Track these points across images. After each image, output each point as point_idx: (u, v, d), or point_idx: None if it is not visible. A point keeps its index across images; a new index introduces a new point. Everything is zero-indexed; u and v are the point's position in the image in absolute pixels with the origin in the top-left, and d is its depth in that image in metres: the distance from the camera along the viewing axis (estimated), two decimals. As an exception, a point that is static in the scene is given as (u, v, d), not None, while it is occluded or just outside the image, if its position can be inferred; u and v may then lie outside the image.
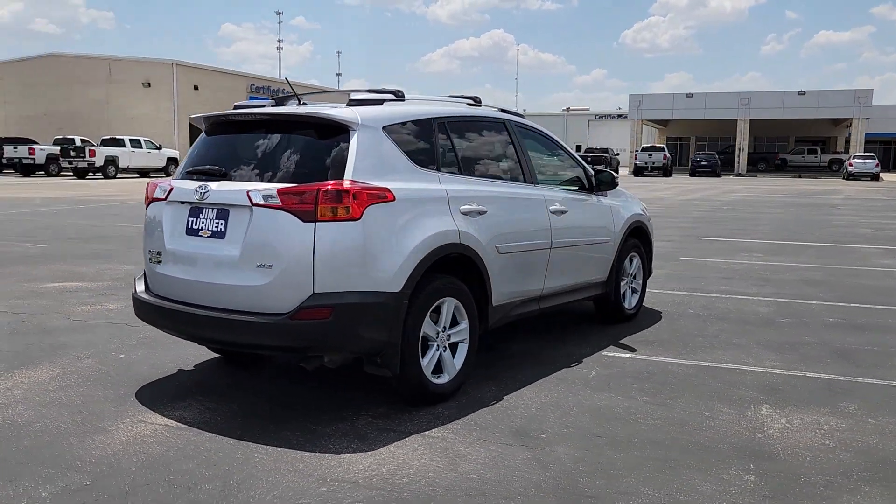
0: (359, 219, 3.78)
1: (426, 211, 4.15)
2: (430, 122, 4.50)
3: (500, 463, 3.49)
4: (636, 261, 6.55)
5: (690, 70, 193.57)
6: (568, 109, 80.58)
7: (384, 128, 4.16)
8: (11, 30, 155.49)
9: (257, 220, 3.83)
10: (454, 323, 4.40)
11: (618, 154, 56.02)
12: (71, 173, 35.86)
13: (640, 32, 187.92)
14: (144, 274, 4.51)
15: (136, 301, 4.41)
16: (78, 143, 36.76)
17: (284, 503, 3.06)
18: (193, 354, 5.12)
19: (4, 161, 37.43)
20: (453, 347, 4.42)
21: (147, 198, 4.52)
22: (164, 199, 4.32)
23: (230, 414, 4.09)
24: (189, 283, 4.05)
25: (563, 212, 5.37)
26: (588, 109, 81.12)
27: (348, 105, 4.25)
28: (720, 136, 60.80)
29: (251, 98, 35.80)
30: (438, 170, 4.41)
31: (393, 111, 4.31)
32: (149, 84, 44.00)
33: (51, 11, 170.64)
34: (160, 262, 4.27)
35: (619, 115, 72.69)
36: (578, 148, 55.87)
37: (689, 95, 52.96)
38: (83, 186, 28.32)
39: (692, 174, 47.81)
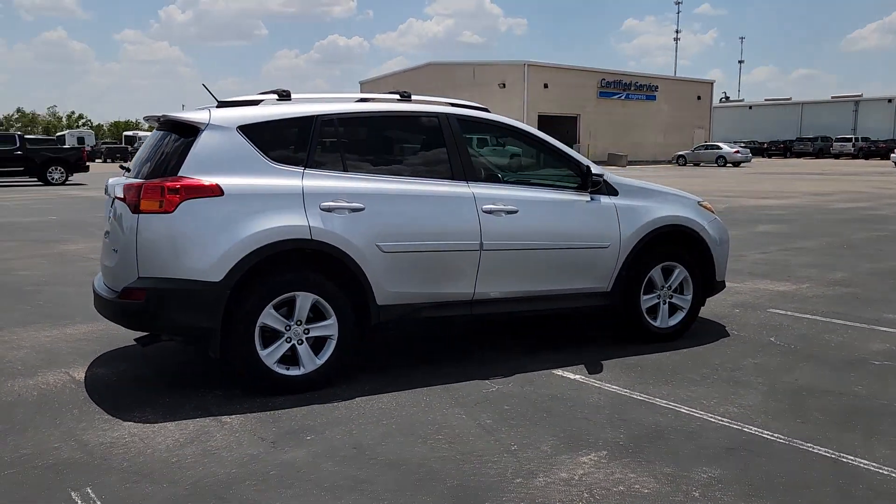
0: (172, 212, 4.13)
1: (267, 206, 4.29)
2: (310, 120, 4.58)
3: (232, 456, 3.57)
4: (677, 272, 5.58)
5: None
6: None
7: (240, 127, 4.40)
8: (444, 42, 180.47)
9: (116, 211, 4.43)
10: (320, 318, 4.46)
11: None
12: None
13: None
14: None
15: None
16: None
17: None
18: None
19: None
20: (320, 342, 4.49)
21: None
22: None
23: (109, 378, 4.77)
24: (103, 268, 4.80)
25: (509, 212, 4.93)
26: None
27: (217, 107, 4.59)
28: None
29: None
30: (306, 167, 4.49)
31: (255, 112, 4.52)
32: (504, 85, 47.31)
33: (475, 24, 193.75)
34: None
35: None
36: None
37: None
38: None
39: None
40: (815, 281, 8.06)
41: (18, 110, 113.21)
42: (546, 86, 47.28)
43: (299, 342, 4.42)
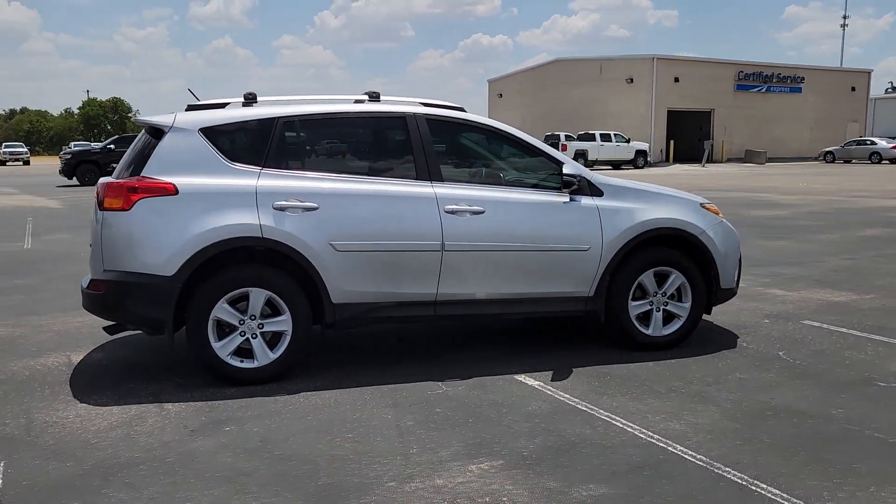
0: (129, 209, 4.41)
1: (221, 205, 4.48)
2: (271, 122, 4.71)
3: (147, 441, 3.79)
4: (673, 278, 5.27)
5: None
6: None
7: (201, 129, 4.61)
8: (589, 38, 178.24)
9: (94, 209, 4.78)
10: (276, 313, 4.61)
11: None
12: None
13: None
14: None
15: None
16: (563, 139, 40.71)
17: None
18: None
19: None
20: (276, 337, 4.63)
21: None
22: None
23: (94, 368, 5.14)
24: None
25: (475, 212, 4.85)
26: None
27: (186, 110, 4.82)
28: None
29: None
30: (263, 166, 4.63)
31: (217, 115, 4.71)
32: (631, 80, 45.88)
33: (622, 17, 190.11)
34: None
35: None
36: None
37: None
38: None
39: None
40: (886, 292, 7.31)
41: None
42: (677, 80, 45.37)
43: (253, 336, 4.58)
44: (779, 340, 5.57)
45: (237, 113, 4.76)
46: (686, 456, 3.54)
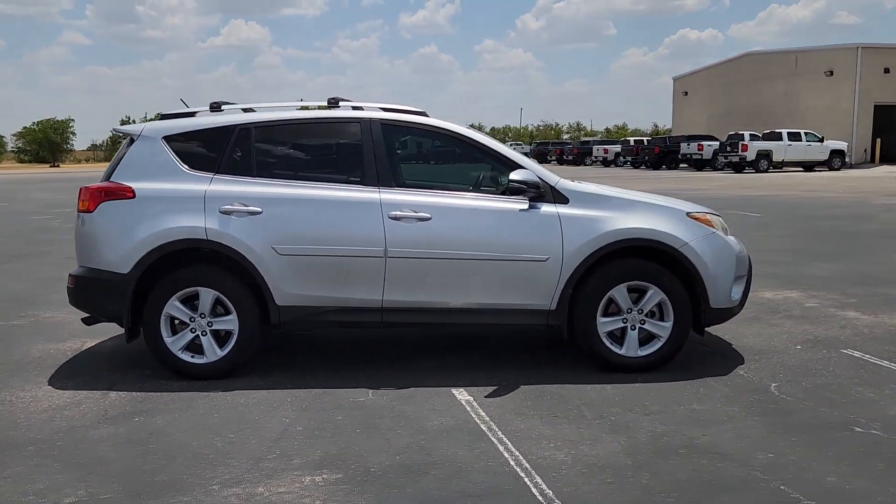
0: (92, 211, 4.81)
1: (172, 208, 4.75)
2: (229, 129, 4.92)
3: (60, 424, 4.15)
4: (651, 294, 4.81)
5: None
6: None
7: (164, 137, 4.92)
8: (811, 27, 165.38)
9: None
10: (225, 313, 4.82)
11: None
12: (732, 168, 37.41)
13: None
14: None
15: None
16: (747, 138, 37.96)
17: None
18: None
19: (680, 157, 41.72)
20: (225, 335, 4.85)
21: None
22: None
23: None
24: None
25: (421, 219, 4.74)
26: None
27: (159, 118, 5.14)
28: None
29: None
30: (216, 172, 4.84)
31: (181, 123, 4.98)
32: (830, 73, 41.53)
33: (851, 2, 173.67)
34: None
35: None
36: None
37: None
38: (727, 180, 29.59)
39: None
40: None
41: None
42: (887, 70, 40.38)
43: (203, 333, 4.82)
44: (787, 370, 4.89)
45: (199, 121, 5.02)
46: (533, 489, 3.25)
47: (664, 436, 3.84)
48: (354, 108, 5.09)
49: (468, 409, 4.26)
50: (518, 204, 4.82)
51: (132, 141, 5.00)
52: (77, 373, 5.04)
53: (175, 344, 4.81)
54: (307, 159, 5.14)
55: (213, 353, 4.82)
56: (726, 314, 5.01)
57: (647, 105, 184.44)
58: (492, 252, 4.77)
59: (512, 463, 3.52)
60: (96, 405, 4.40)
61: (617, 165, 47.69)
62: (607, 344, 4.87)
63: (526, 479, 3.34)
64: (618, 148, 49.02)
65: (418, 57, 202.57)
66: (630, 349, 4.87)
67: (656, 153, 42.91)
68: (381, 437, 3.86)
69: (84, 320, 5.18)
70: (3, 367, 5.18)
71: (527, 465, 3.48)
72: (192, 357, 4.83)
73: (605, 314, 4.86)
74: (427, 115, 5.09)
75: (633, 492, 3.22)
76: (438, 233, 4.76)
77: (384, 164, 4.88)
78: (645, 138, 51.64)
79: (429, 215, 4.76)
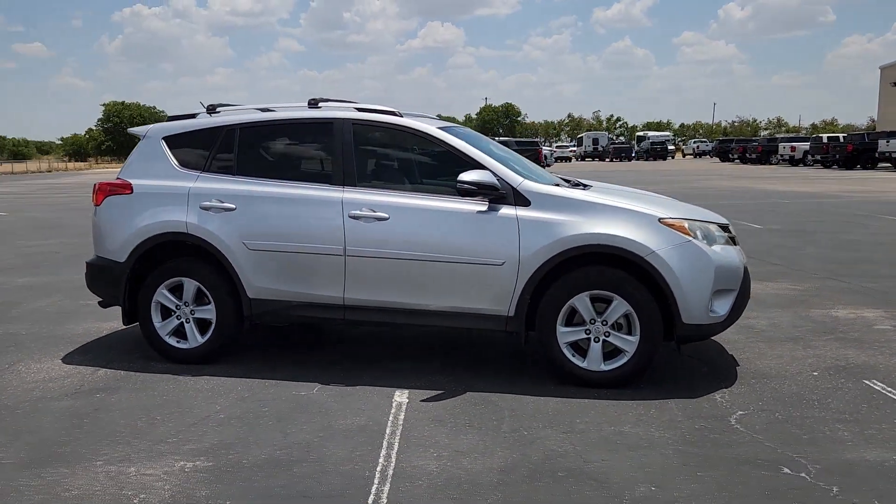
0: (99, 205, 5.32)
1: (161, 203, 5.13)
2: (218, 130, 5.21)
3: (35, 395, 4.65)
4: (615, 304, 4.49)
5: None
6: None
7: (163, 137, 5.32)
8: None
9: None
10: (208, 302, 5.14)
11: None
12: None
13: None
14: None
15: None
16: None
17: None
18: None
19: (878, 155, 37.53)
20: (206, 323, 5.17)
21: None
22: None
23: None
24: None
25: (379, 218, 4.75)
26: None
27: (167, 120, 5.53)
28: None
29: None
30: (203, 171, 5.16)
31: (180, 124, 5.34)
32: None
33: None
34: None
35: None
36: None
37: None
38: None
39: None
40: None
41: (569, 115, 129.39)
42: None
43: (186, 320, 5.17)
44: (773, 399, 4.36)
45: (193, 122, 5.37)
46: (370, 498, 3.18)
47: (560, 456, 3.58)
48: (331, 108, 5.20)
49: (393, 411, 4.23)
50: (477, 206, 4.68)
51: (138, 141, 5.47)
52: (91, 350, 5.59)
53: (163, 329, 5.20)
54: (283, 159, 5.31)
55: (195, 339, 5.15)
56: (706, 331, 4.55)
57: (864, 98, 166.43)
58: (448, 254, 4.67)
59: (378, 470, 3.47)
60: (77, 380, 4.86)
61: (805, 165, 43.78)
62: (568, 355, 4.60)
63: (374, 487, 3.28)
64: (806, 146, 44.92)
65: (611, 52, 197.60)
66: (593, 363, 4.57)
67: (849, 151, 38.87)
68: (283, 431, 3.95)
69: (99, 304, 5.72)
70: (44, 340, 5.87)
71: (390, 473, 3.42)
72: (178, 342, 5.19)
73: (569, 324, 4.60)
74: (400, 115, 5.07)
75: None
76: (396, 233, 4.75)
77: (351, 164, 4.94)
78: (841, 135, 46.76)
79: (387, 215, 4.76)
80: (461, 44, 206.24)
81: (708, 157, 71.26)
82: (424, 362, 5.17)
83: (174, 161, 5.27)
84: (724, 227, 4.92)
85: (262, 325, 5.39)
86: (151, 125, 5.55)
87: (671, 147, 73.01)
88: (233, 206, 5.00)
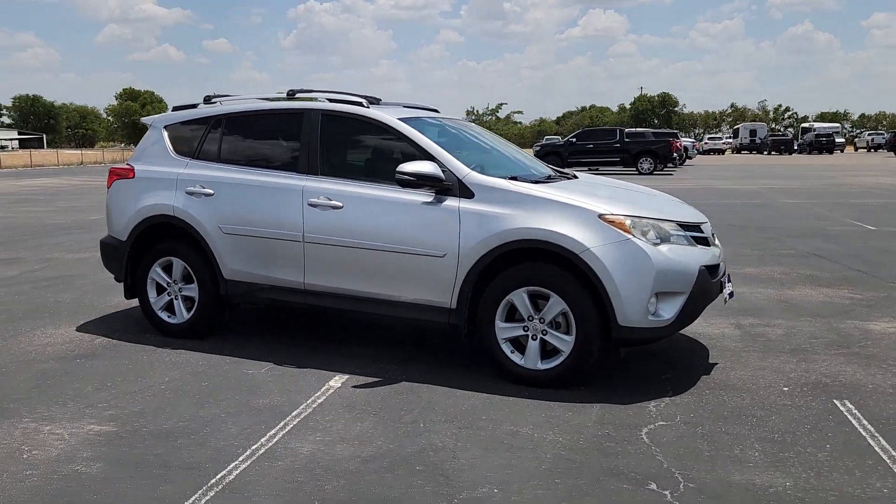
0: (110, 188, 5.81)
1: (155, 187, 5.53)
2: (209, 119, 5.54)
3: (26, 357, 5.20)
4: (552, 302, 4.35)
5: None
6: None
7: (165, 126, 5.73)
8: None
9: None
10: (193, 281, 5.50)
11: None
12: None
13: None
14: None
15: None
16: None
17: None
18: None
19: None
20: (192, 301, 5.53)
21: None
22: None
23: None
24: None
25: (334, 207, 4.86)
26: None
27: (172, 110, 5.92)
28: None
29: None
30: (193, 158, 5.50)
31: (179, 114, 5.72)
32: None
33: None
34: None
35: None
36: None
37: None
38: None
39: None
40: None
41: (732, 105, 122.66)
42: None
43: (175, 297, 5.55)
44: (711, 412, 4.06)
45: (191, 112, 5.73)
46: (213, 475, 3.32)
47: (433, 451, 3.55)
48: (304, 98, 5.37)
49: (316, 395, 4.34)
50: (423, 196, 4.67)
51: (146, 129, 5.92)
52: (106, 321, 6.13)
53: (156, 304, 5.62)
54: (260, 147, 5.53)
55: (182, 315, 5.53)
56: (646, 334, 4.28)
57: None
58: (395, 244, 4.71)
59: (252, 448, 3.59)
60: (73, 347, 5.37)
61: None
62: (506, 352, 4.51)
63: (235, 464, 3.41)
64: None
65: (789, 37, 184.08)
66: (530, 361, 4.44)
67: None
68: (201, 405, 4.18)
69: (115, 279, 6.26)
70: (79, 310, 6.50)
71: (260, 453, 3.54)
72: (169, 317, 5.60)
73: (510, 319, 4.50)
74: (366, 107, 5.12)
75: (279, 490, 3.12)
76: (348, 221, 4.84)
77: (316, 153, 5.09)
78: None
79: (341, 204, 4.87)
80: (623, 31, 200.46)
81: (883, 150, 64.92)
82: (387, 350, 5.24)
83: (171, 148, 5.66)
84: (691, 227, 4.61)
85: (263, 307, 5.67)
86: (156, 115, 5.99)
87: (840, 140, 67.10)
88: (211, 191, 5.30)
